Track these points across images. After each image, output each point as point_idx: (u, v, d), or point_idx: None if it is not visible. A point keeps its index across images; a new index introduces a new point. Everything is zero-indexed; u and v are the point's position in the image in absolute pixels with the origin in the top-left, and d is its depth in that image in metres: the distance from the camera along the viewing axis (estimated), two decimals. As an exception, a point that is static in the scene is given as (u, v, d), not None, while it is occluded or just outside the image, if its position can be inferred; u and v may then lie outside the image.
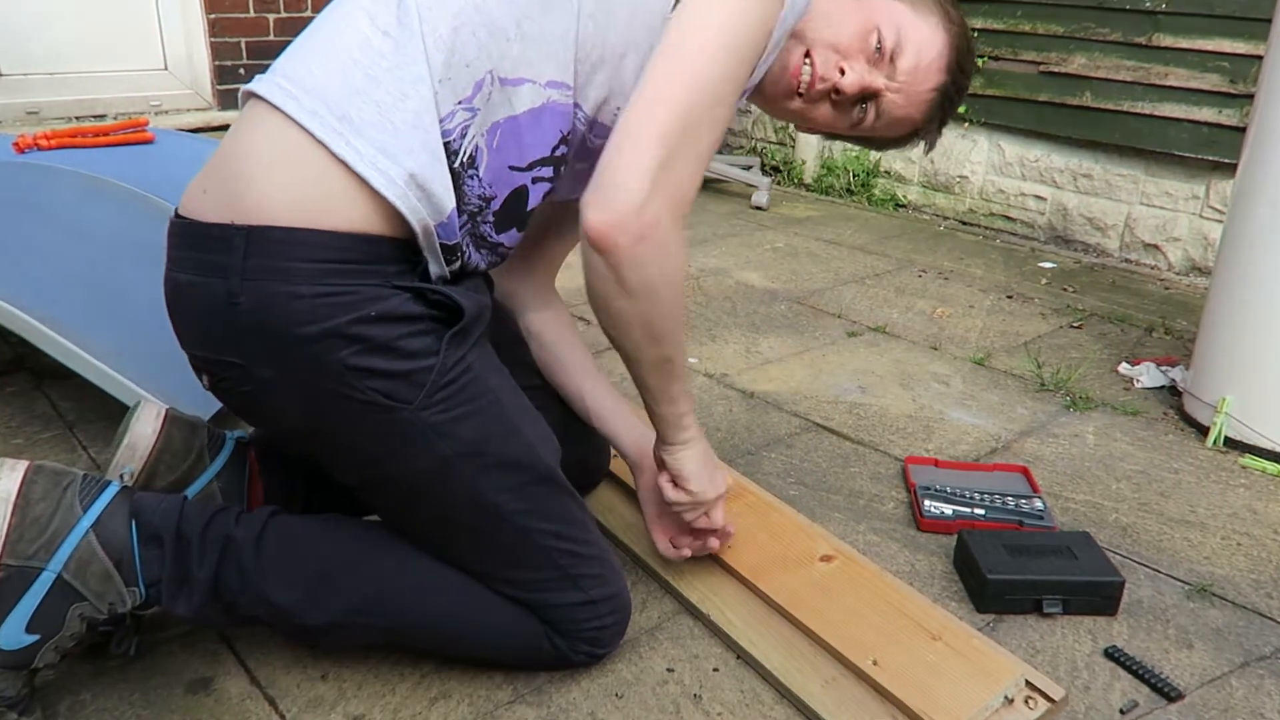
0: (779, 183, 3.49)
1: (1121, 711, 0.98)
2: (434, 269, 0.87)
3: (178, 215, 0.85)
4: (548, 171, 0.91)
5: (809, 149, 3.40)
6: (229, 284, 0.80)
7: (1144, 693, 1.01)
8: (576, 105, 0.90)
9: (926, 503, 1.31)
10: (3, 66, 3.84)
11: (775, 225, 2.89)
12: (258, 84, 0.84)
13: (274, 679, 0.97)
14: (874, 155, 3.23)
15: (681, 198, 0.83)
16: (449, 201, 0.83)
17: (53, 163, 1.57)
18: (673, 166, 0.81)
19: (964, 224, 3.02)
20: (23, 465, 0.85)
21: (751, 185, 3.13)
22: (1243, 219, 1.52)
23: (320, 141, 0.79)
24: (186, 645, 1.01)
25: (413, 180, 0.80)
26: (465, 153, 0.84)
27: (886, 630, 1.01)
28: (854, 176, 3.27)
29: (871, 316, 2.12)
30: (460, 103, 0.82)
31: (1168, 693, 1.00)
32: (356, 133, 0.79)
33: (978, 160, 2.97)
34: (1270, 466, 1.49)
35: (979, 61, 2.84)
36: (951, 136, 3.01)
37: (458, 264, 0.89)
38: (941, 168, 3.07)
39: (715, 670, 1.01)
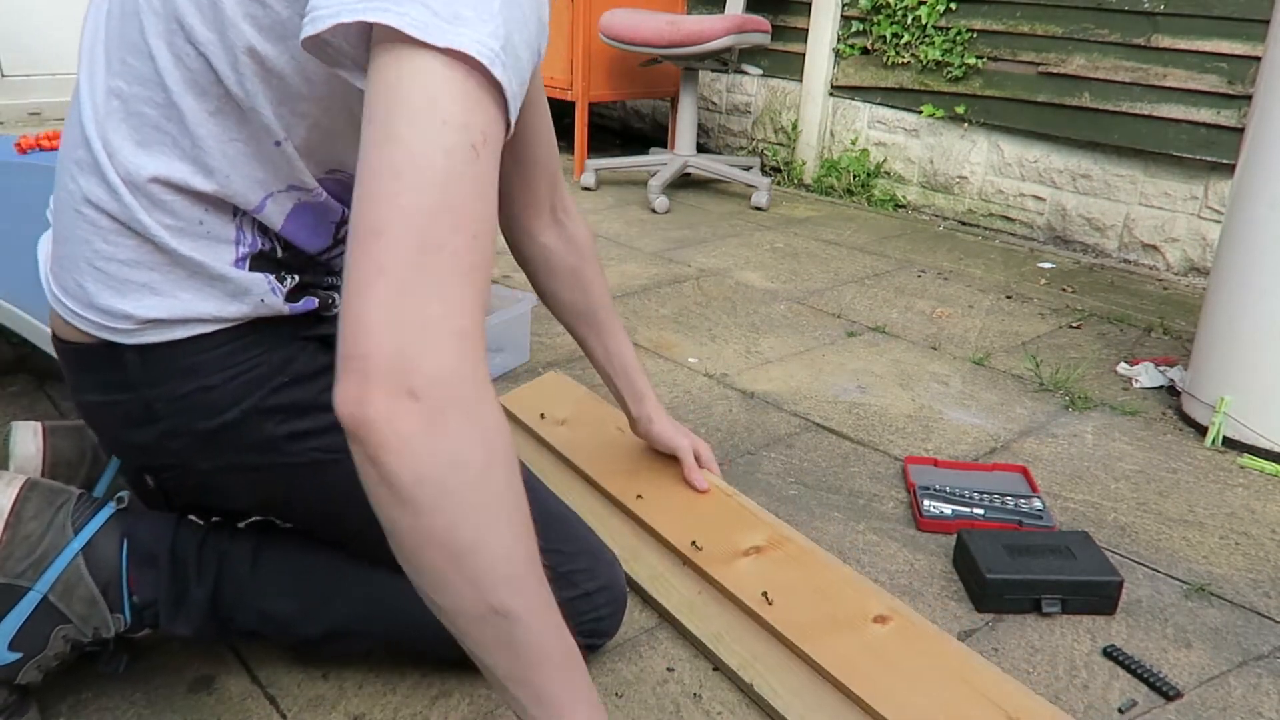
0: (779, 183, 3.49)
1: (1120, 710, 0.98)
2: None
3: (57, 338, 0.83)
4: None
5: (809, 149, 3.40)
6: (139, 396, 0.79)
7: (1142, 692, 1.01)
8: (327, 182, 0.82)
9: (926, 502, 1.32)
10: (5, 67, 3.84)
11: (775, 225, 2.89)
12: (48, 292, 0.82)
13: (275, 678, 0.97)
14: (874, 156, 3.23)
15: (451, 331, 0.55)
16: (279, 306, 0.81)
17: (55, 163, 1.57)
18: (414, 300, 0.55)
19: (963, 224, 3.03)
20: (18, 481, 0.85)
21: (751, 185, 3.14)
22: (1241, 219, 1.53)
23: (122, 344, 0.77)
24: (188, 644, 1.01)
25: (233, 319, 0.79)
26: (276, 249, 0.82)
27: (955, 709, 0.89)
28: (854, 177, 3.28)
29: (871, 316, 2.12)
30: (236, 229, 0.79)
31: (1166, 692, 1.00)
32: (143, 323, 0.77)
33: (977, 161, 2.97)
34: (1268, 466, 1.50)
35: (978, 62, 2.85)
36: (951, 137, 3.01)
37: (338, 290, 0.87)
38: (941, 168, 3.07)
39: (715, 670, 1.01)
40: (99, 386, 0.82)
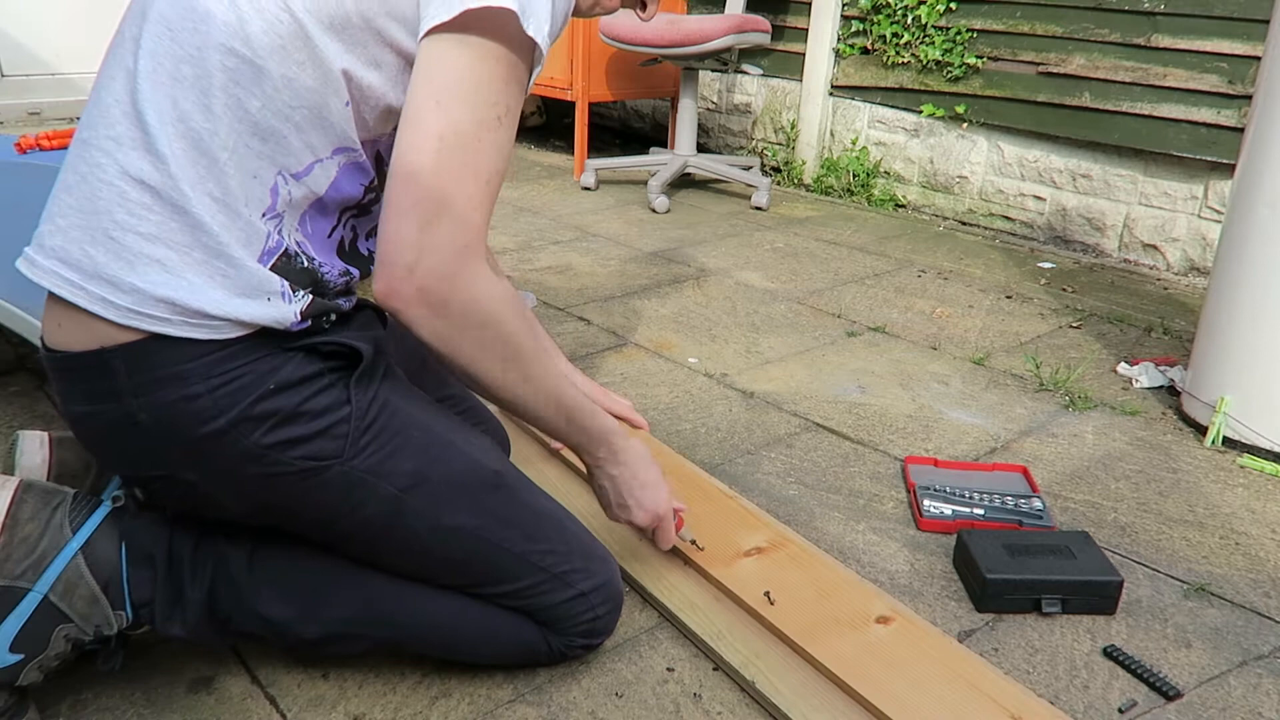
0: (779, 183, 3.49)
1: (1120, 710, 0.98)
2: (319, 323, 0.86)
3: (47, 348, 0.82)
4: (354, 214, 0.91)
5: (809, 149, 3.40)
6: (123, 406, 0.79)
7: (1143, 692, 1.01)
8: (368, 144, 0.86)
9: (926, 502, 1.32)
10: (5, 67, 3.85)
11: (775, 225, 2.89)
12: (32, 267, 0.80)
13: (275, 678, 0.97)
14: (874, 156, 3.23)
15: (461, 240, 0.77)
16: (286, 315, 0.81)
17: (55, 163, 1.57)
18: (440, 220, 0.76)
19: (963, 224, 3.03)
20: (12, 483, 0.85)
21: (751, 186, 3.14)
22: (1241, 219, 1.53)
23: (119, 324, 0.77)
24: (188, 644, 1.01)
25: (234, 323, 0.79)
26: (299, 257, 0.83)
27: (960, 709, 0.90)
28: (854, 177, 3.28)
29: (871, 316, 2.12)
30: (264, 215, 0.80)
31: (1166, 692, 1.00)
32: (145, 299, 0.76)
33: (977, 161, 2.97)
34: (1268, 466, 1.50)
35: (978, 62, 2.85)
36: (951, 137, 3.01)
37: (338, 312, 0.88)
38: (941, 168, 3.07)
39: (715, 670, 1.01)
40: (86, 396, 0.81)
